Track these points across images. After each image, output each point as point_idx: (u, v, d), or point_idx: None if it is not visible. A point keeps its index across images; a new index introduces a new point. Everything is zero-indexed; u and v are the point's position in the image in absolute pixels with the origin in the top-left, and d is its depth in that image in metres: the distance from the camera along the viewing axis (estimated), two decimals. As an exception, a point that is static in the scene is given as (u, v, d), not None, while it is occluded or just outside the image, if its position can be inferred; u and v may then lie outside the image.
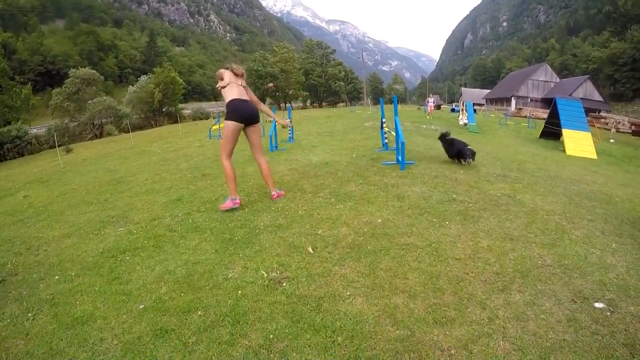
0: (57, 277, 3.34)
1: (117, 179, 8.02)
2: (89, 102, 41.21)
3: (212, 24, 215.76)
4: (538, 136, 16.98)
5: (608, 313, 2.37)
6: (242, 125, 4.56)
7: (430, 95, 29.99)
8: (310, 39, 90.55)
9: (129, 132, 28.14)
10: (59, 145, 19.75)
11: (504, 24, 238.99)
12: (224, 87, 4.50)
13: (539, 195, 4.94)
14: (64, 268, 3.51)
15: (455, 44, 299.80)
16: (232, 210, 4.53)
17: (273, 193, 4.87)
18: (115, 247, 3.84)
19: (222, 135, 4.71)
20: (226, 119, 4.51)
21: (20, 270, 3.61)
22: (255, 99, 4.85)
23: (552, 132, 15.49)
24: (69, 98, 43.26)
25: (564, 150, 12.56)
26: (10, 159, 28.06)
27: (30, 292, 3.12)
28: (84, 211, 5.58)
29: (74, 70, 46.64)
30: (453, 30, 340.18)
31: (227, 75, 4.60)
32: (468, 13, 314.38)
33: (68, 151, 21.23)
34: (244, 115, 4.55)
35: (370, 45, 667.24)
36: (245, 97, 4.65)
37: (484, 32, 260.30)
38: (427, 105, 27.16)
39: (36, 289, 3.17)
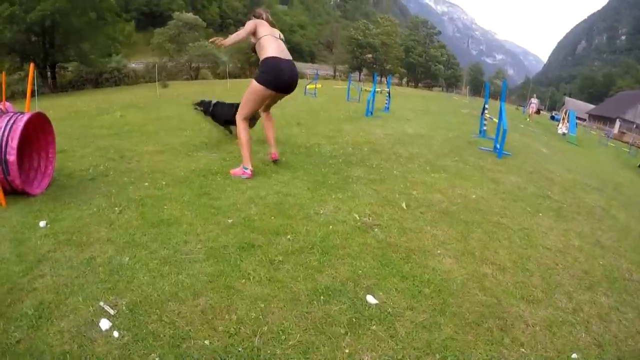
0: (146, 183, 3.52)
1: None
2: (190, 44, 43.15)
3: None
4: (638, 165, 15.37)
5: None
6: (275, 94, 3.70)
7: (534, 95, 26.91)
8: (417, 16, 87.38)
9: (225, 78, 29.00)
10: (157, 80, 20.91)
11: (623, 37, 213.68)
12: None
13: (634, 218, 4.49)
14: (155, 178, 3.68)
15: (566, 48, 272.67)
16: (325, 158, 4.50)
17: (273, 152, 4.24)
18: (207, 168, 4.00)
19: (246, 95, 3.68)
20: (258, 81, 3.52)
21: (111, 173, 3.81)
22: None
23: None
24: (170, 39, 45.65)
25: (664, 188, 11.20)
26: (107, 87, 29.89)
27: (119, 191, 3.28)
28: (178, 135, 5.86)
29: (178, 13, 48.95)
30: (567, 34, 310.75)
31: (261, 26, 3.61)
32: (586, 18, 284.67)
33: (164, 86, 22.53)
34: (284, 82, 3.60)
35: (476, 33, 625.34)
36: (288, 55, 3.62)
37: (600, 41, 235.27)
38: (528, 106, 24.57)
39: (125, 190, 3.33)
